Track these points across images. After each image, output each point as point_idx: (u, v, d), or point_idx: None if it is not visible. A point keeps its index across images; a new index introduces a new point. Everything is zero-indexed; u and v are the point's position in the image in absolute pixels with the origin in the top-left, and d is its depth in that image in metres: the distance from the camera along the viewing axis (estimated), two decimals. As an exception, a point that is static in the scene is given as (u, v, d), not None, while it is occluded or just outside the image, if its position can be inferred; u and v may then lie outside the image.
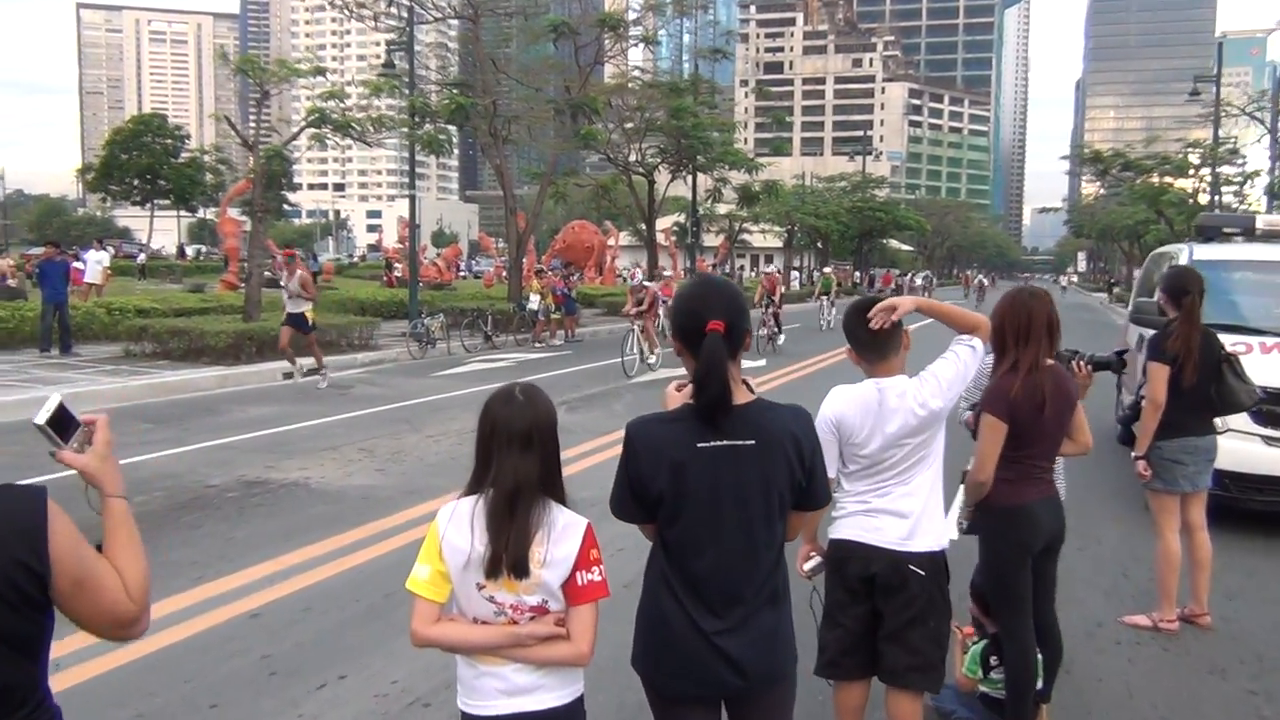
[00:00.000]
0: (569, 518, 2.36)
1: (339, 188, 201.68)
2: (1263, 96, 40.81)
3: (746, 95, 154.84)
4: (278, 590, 5.65)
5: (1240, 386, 5.34)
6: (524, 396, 2.40)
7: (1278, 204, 37.99)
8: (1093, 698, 4.52)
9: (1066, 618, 4.47)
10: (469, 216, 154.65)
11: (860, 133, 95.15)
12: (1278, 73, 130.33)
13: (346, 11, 26.64)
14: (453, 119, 24.72)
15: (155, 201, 71.84)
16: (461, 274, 64.32)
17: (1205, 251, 8.95)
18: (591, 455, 9.68)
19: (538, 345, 22.31)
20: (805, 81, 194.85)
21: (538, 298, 23.50)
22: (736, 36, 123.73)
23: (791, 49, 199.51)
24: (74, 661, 4.51)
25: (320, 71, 20.86)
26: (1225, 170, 39.83)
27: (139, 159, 68.39)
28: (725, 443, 2.39)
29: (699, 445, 2.38)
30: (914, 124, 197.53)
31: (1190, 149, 39.68)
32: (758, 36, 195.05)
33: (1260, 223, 9.59)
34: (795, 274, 59.92)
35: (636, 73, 35.17)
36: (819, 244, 62.78)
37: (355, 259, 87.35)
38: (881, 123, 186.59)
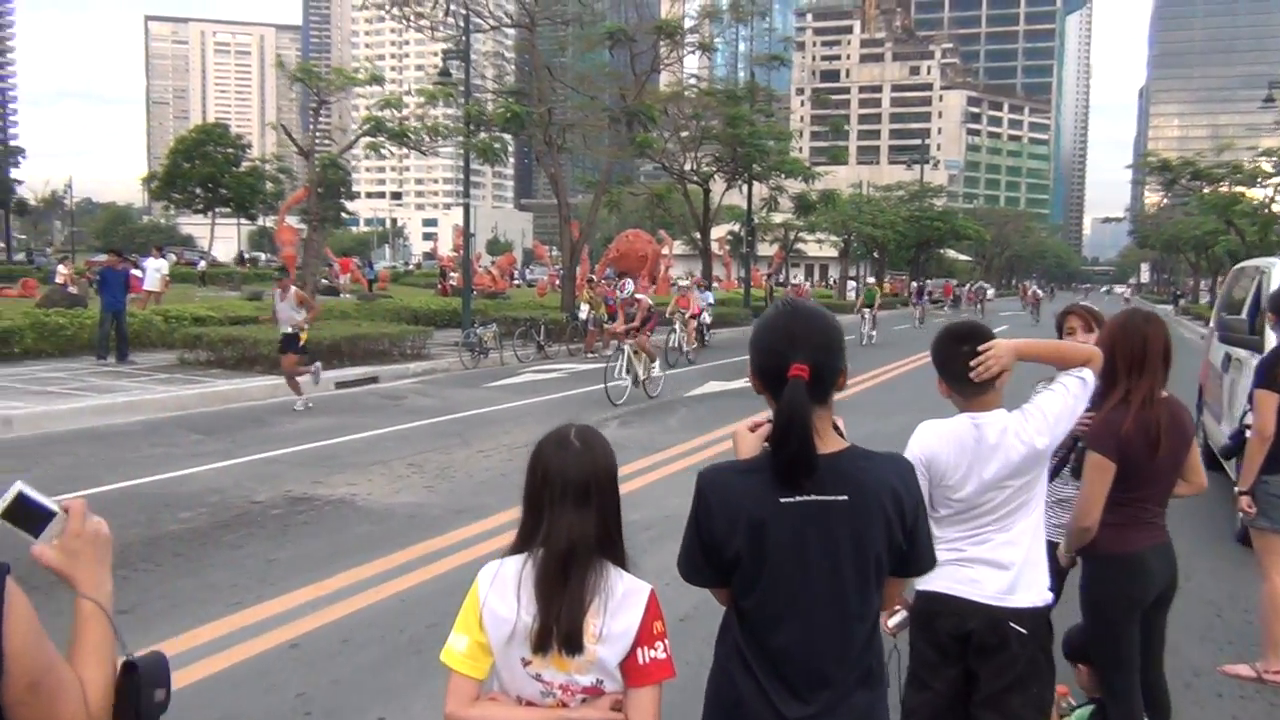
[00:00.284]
0: (630, 584, 2.05)
1: (396, 196, 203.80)
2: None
3: (802, 104, 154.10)
4: (318, 618, 5.39)
5: None
6: (580, 442, 2.09)
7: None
8: (1200, 761, 4.09)
9: (1170, 672, 4.05)
10: (524, 225, 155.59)
11: (917, 141, 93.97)
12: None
13: (405, 21, 26.70)
14: (508, 127, 24.61)
15: (216, 210, 73.08)
16: (516, 282, 64.49)
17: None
18: (645, 474, 9.36)
19: (590, 355, 22.05)
20: (861, 90, 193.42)
21: (587, 307, 23.28)
22: (794, 44, 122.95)
23: (848, 57, 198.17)
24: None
25: (377, 80, 20.88)
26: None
27: (201, 168, 69.62)
28: (813, 498, 2.04)
29: (782, 501, 2.05)
30: (972, 132, 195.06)
31: (1264, 157, 38.34)
32: (814, 45, 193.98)
33: None
34: (852, 284, 59.13)
35: (692, 80, 34.87)
36: (875, 254, 61.97)
37: (411, 267, 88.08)
38: (939, 131, 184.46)
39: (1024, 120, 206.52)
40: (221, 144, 71.59)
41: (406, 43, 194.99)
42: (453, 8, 26.16)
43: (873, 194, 66.39)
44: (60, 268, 27.83)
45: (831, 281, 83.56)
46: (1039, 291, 50.43)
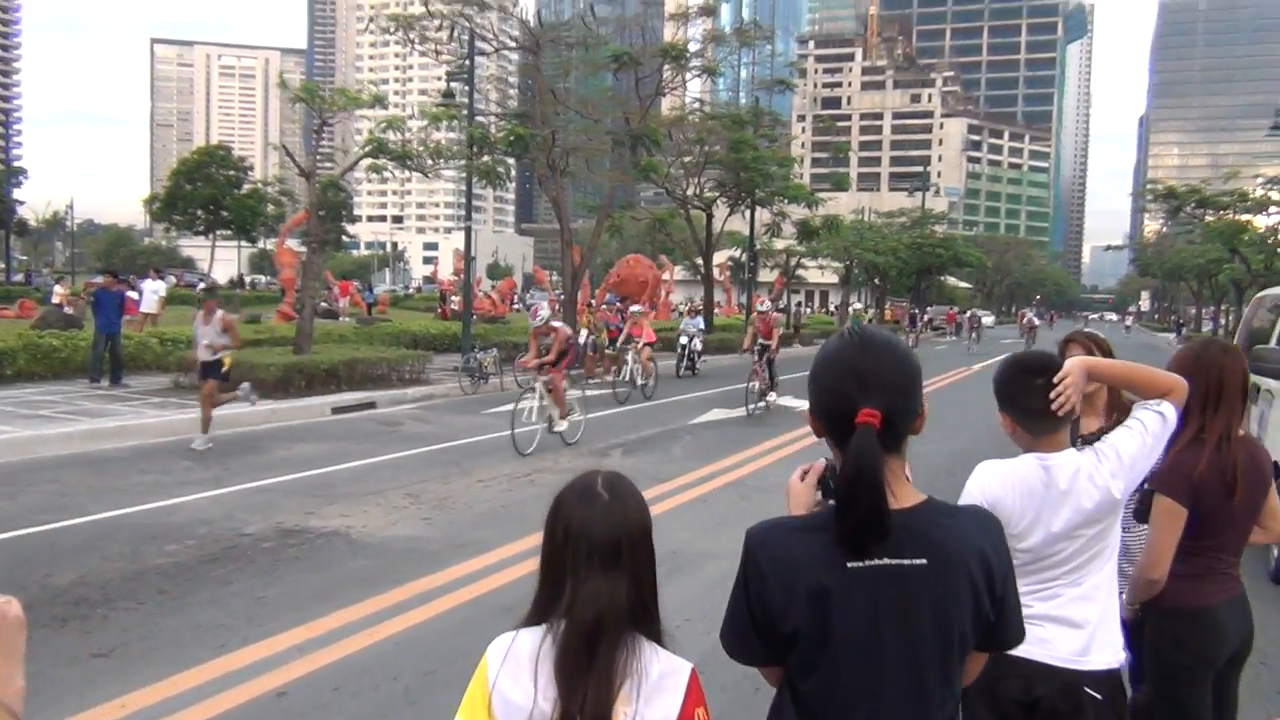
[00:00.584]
0: (667, 662, 1.74)
1: (397, 220, 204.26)
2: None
3: (803, 130, 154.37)
4: (308, 663, 5.06)
5: None
6: (609, 493, 1.79)
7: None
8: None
9: None
10: (524, 249, 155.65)
11: (918, 168, 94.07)
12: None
13: (409, 44, 26.55)
14: (512, 149, 24.40)
15: (217, 231, 72.90)
16: (516, 307, 64.23)
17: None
18: (653, 505, 9.00)
19: (591, 381, 21.73)
20: (863, 117, 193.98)
21: (586, 332, 23.02)
22: (798, 69, 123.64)
23: (849, 84, 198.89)
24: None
25: (379, 100, 20.65)
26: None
27: (202, 190, 69.46)
28: (887, 562, 1.73)
29: (850, 566, 1.73)
30: (973, 160, 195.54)
31: (1272, 185, 38.16)
32: (815, 72, 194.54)
33: None
34: (869, 311, 58.96)
35: (696, 105, 34.74)
36: (877, 280, 61.78)
37: (411, 290, 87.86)
38: (940, 158, 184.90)
39: (1024, 148, 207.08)
40: (223, 166, 71.44)
41: (410, 67, 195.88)
42: (457, 30, 26.03)
43: (875, 220, 66.30)
44: (57, 288, 27.56)
45: (832, 308, 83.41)
46: (1035, 319, 46.34)
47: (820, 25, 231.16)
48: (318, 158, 20.11)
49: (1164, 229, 71.06)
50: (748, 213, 36.11)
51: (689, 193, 34.01)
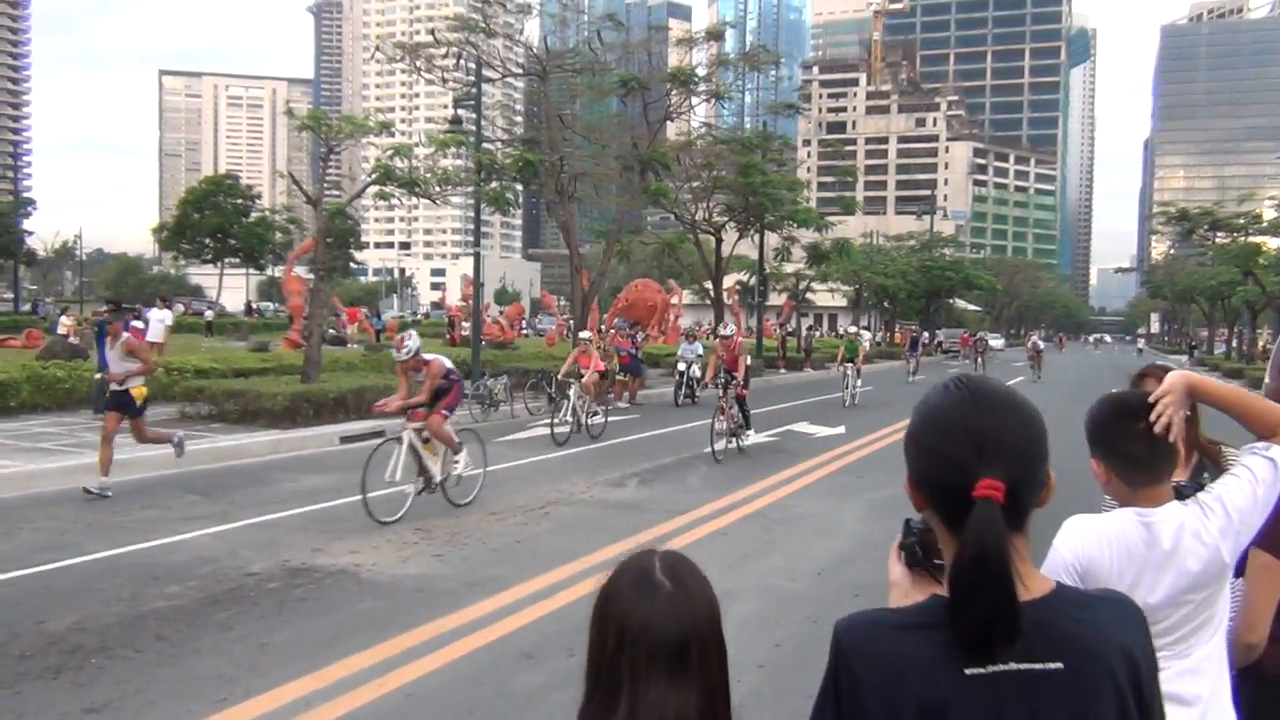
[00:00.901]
0: None
1: (405, 246, 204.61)
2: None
3: (809, 155, 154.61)
4: (314, 718, 4.74)
5: None
6: (671, 579, 1.47)
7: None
8: None
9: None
10: (531, 275, 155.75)
11: (924, 192, 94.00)
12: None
13: (415, 71, 26.47)
14: (520, 175, 24.24)
15: (225, 260, 73.03)
16: (524, 332, 63.99)
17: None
18: (671, 539, 8.72)
19: (601, 408, 21.42)
20: (868, 141, 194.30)
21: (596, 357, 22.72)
22: (803, 95, 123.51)
23: (854, 109, 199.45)
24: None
25: (386, 127, 20.47)
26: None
27: (210, 218, 69.69)
28: (1014, 668, 1.38)
29: (969, 674, 1.39)
30: (979, 183, 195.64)
31: (1284, 206, 37.96)
32: (820, 97, 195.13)
33: None
34: (865, 334, 58.63)
35: (704, 129, 34.63)
36: (886, 303, 61.53)
37: (419, 317, 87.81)
38: (946, 182, 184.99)
39: (1030, 171, 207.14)
40: (231, 195, 71.74)
41: (416, 95, 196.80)
42: (463, 58, 25.95)
43: (883, 243, 66.16)
44: (63, 318, 27.39)
45: (841, 331, 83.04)
46: (1039, 343, 41.28)
47: (824, 51, 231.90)
48: (325, 185, 19.92)
49: (1172, 251, 70.59)
50: (757, 237, 35.93)
51: (698, 217, 33.84)
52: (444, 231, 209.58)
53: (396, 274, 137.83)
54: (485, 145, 25.05)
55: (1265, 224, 38.71)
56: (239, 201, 71.99)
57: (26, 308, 61.17)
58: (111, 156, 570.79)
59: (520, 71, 27.89)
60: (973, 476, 1.39)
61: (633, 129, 29.01)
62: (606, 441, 16.05)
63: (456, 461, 10.27)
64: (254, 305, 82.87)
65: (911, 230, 75.15)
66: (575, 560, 7.83)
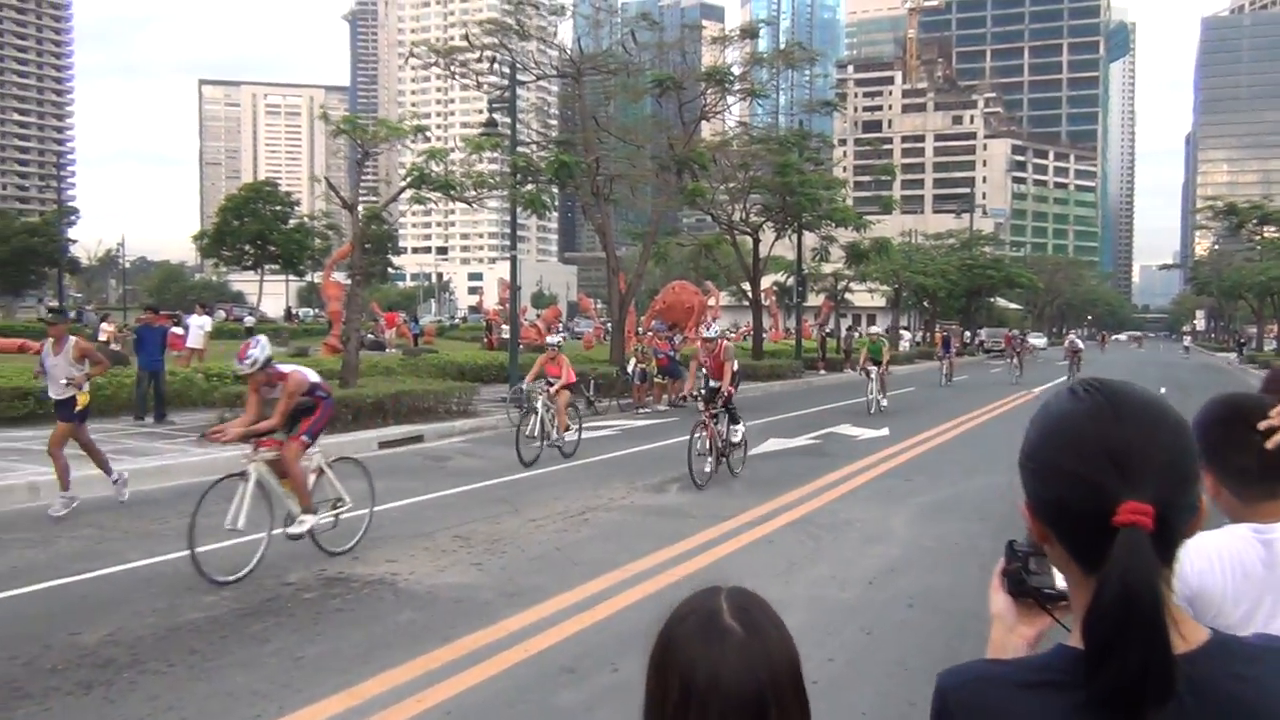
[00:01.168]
0: None
1: (442, 251, 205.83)
2: None
3: (845, 155, 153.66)
4: (349, 736, 4.56)
5: None
6: (743, 624, 1.24)
7: None
8: None
9: None
10: (568, 278, 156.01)
11: (961, 190, 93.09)
12: None
13: (450, 74, 26.45)
14: (557, 176, 24.11)
15: (265, 266, 73.70)
16: (561, 335, 63.85)
17: None
18: (715, 546, 8.49)
19: (641, 411, 21.23)
20: (904, 140, 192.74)
21: (633, 360, 22.56)
22: (841, 92, 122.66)
23: (890, 108, 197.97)
24: None
25: (421, 130, 20.42)
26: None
27: (250, 225, 70.32)
28: None
29: None
30: (1018, 180, 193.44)
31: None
32: (855, 96, 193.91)
33: None
34: (905, 334, 57.99)
35: (740, 128, 34.35)
36: (926, 302, 60.84)
37: (456, 321, 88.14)
38: (984, 179, 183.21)
39: (1069, 168, 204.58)
40: (270, 201, 72.35)
41: (451, 101, 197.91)
42: (497, 60, 25.88)
43: (922, 242, 65.47)
44: (104, 325, 27.62)
45: (882, 331, 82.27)
46: (1078, 342, 38.45)
47: (859, 50, 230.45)
48: (361, 190, 19.89)
49: (1217, 246, 69.21)
50: (794, 237, 35.58)
51: (735, 217, 33.55)
52: (480, 236, 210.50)
53: (434, 278, 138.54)
54: (520, 148, 24.97)
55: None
56: (278, 208, 72.60)
57: (71, 315, 62.02)
58: (153, 165, 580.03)
59: (554, 74, 27.79)
60: (1114, 500, 1.14)
61: (668, 129, 28.80)
62: (649, 444, 15.82)
63: (303, 521, 7.84)
64: (293, 311, 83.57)
65: (950, 229, 74.32)
66: (617, 569, 7.62)
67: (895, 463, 14.10)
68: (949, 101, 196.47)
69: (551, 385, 14.37)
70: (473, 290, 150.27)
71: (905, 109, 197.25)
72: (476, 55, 26.29)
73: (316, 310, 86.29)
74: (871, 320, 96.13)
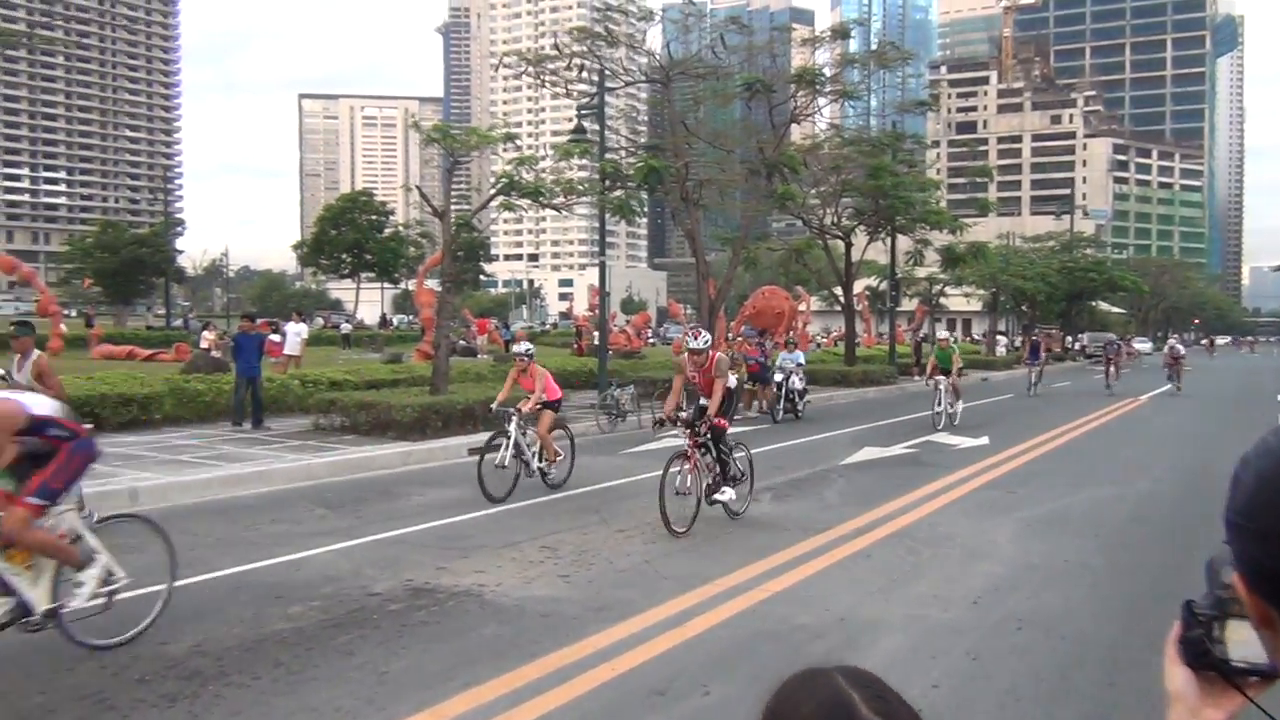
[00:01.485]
0: None
1: (533, 258, 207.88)
2: None
3: (938, 157, 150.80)
4: (432, 759, 4.40)
5: None
6: (879, 713, 1.01)
7: None
8: None
9: None
10: (657, 284, 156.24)
11: (1060, 192, 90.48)
12: None
13: (540, 81, 26.51)
14: (645, 182, 23.97)
15: (362, 274, 75.26)
16: (651, 341, 63.89)
17: None
18: (807, 561, 8.17)
19: (734, 419, 20.89)
20: (1000, 140, 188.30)
21: None
22: (935, 93, 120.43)
23: (985, 108, 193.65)
24: None
25: (511, 138, 20.46)
26: None
27: (346, 234, 71.89)
28: None
29: None
30: (1120, 180, 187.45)
31: None
32: (949, 97, 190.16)
33: None
34: (1001, 339, 56.48)
35: (832, 130, 33.77)
36: (1025, 307, 59.15)
37: (547, 327, 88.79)
38: (1084, 180, 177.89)
39: (1174, 166, 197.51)
40: (366, 210, 73.85)
41: (542, 110, 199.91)
42: (586, 67, 25.85)
43: (1020, 245, 63.72)
44: (205, 333, 28.36)
45: (978, 335, 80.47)
46: (1179, 348, 34.09)
47: (952, 50, 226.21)
48: (452, 198, 20.00)
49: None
50: (887, 240, 34.85)
51: (826, 221, 33.01)
52: (571, 243, 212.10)
53: (525, 285, 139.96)
54: (609, 154, 24.89)
55: None
56: (373, 217, 74.08)
57: (178, 323, 64.13)
58: (256, 178, 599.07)
59: (643, 79, 27.67)
60: None
61: (758, 133, 28.44)
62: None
63: (81, 582, 5.80)
64: (388, 318, 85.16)
65: (1050, 230, 72.20)
66: (708, 584, 7.38)
67: (997, 473, 13.56)
68: (1047, 100, 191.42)
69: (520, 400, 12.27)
70: (563, 296, 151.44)
71: (1001, 109, 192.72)
72: (566, 63, 26.31)
73: (410, 317, 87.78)
74: (967, 325, 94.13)
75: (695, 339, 10.19)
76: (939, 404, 19.97)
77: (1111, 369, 33.05)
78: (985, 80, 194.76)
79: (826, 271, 36.62)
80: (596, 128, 24.23)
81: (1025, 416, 22.72)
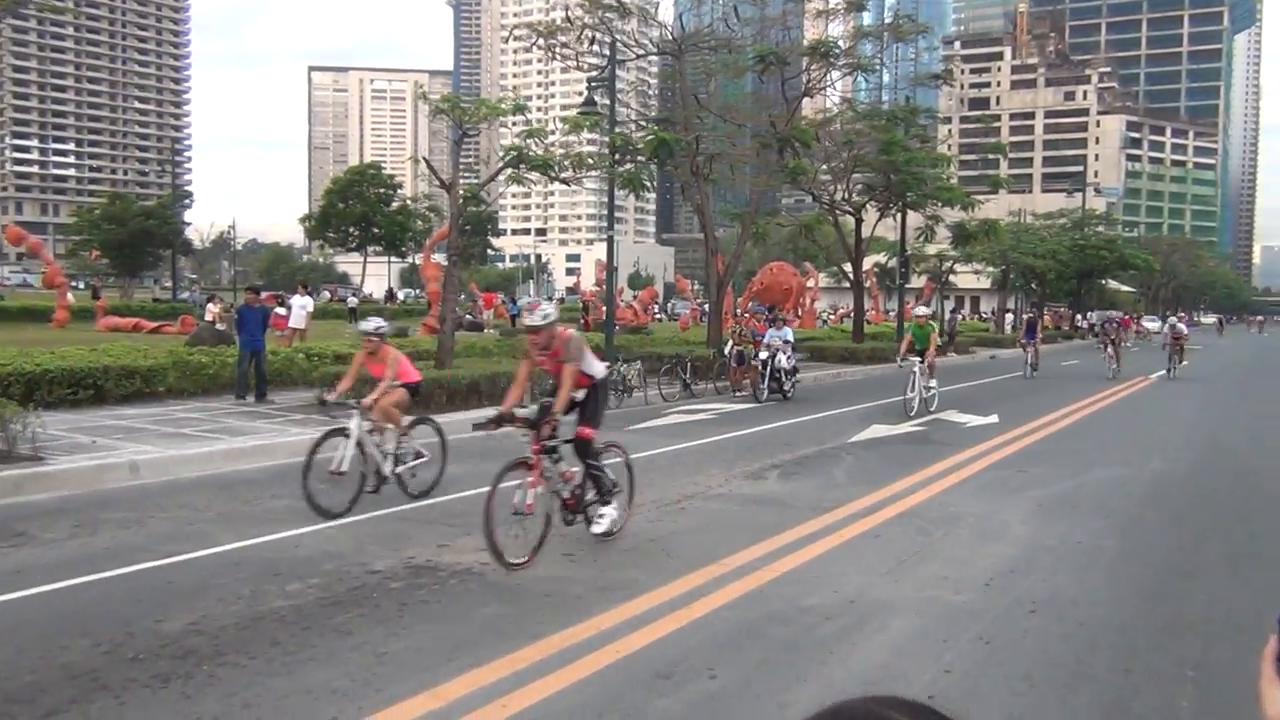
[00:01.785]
0: None
1: (540, 232, 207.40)
2: None
3: (950, 133, 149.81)
4: (429, 744, 4.28)
5: None
6: None
7: None
8: None
9: None
10: (665, 259, 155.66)
11: (1073, 169, 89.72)
12: None
13: (550, 53, 26.23)
14: (655, 155, 23.73)
15: (369, 247, 75.08)
16: (658, 316, 63.73)
17: None
18: (815, 541, 8.03)
19: (738, 394, 20.76)
20: (1013, 117, 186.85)
21: (730, 342, 22.13)
22: (948, 68, 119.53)
23: (998, 84, 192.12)
24: None
25: (520, 110, 20.21)
26: None
27: (354, 207, 71.64)
28: None
29: None
30: (1132, 158, 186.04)
31: None
32: (962, 72, 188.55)
33: None
34: (1009, 316, 56.12)
35: (843, 105, 33.42)
36: (1035, 284, 58.79)
37: (554, 301, 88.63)
38: (1096, 157, 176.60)
39: (1188, 144, 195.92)
40: (374, 184, 73.56)
41: (552, 84, 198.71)
42: (597, 39, 25.55)
43: (1031, 222, 63.25)
44: (210, 305, 28.26)
45: (986, 314, 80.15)
46: (1181, 327, 30.75)
47: (966, 25, 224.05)
48: (460, 171, 19.79)
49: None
50: (897, 217, 34.55)
51: (837, 197, 32.72)
52: (579, 217, 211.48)
53: (533, 259, 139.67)
54: (619, 127, 24.63)
55: None
56: (381, 190, 73.80)
57: (184, 296, 64.10)
58: (265, 150, 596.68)
59: (655, 52, 27.37)
60: None
61: (770, 107, 28.15)
62: (748, 428, 15.36)
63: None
64: (394, 291, 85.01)
65: (1061, 208, 71.70)
66: (714, 563, 7.24)
67: (1007, 451, 13.39)
68: (1061, 77, 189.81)
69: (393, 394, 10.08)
70: (570, 271, 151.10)
71: (1014, 85, 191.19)
72: (577, 35, 26.01)
73: (417, 291, 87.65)
74: (975, 303, 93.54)
75: (532, 313, 7.94)
76: (912, 389, 17.82)
77: (1110, 349, 29.02)
78: (999, 56, 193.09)
79: (836, 248, 36.38)
80: (607, 101, 23.95)
81: (1035, 395, 22.53)
